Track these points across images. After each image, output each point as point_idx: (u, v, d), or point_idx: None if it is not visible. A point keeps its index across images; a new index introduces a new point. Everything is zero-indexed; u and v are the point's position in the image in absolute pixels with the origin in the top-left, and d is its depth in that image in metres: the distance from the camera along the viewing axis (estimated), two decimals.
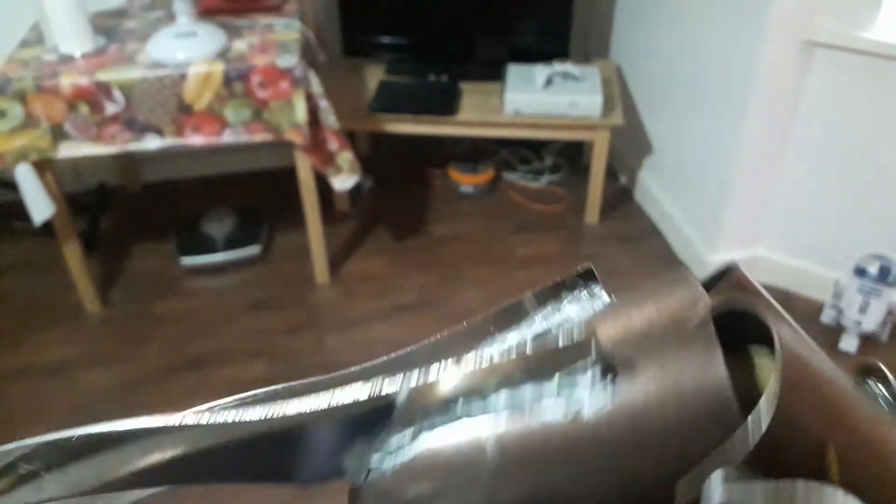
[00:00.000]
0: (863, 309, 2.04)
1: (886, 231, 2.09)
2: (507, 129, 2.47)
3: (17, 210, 2.15)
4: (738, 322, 0.27)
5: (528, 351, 0.27)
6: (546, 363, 0.26)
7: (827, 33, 1.91)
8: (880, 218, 2.09)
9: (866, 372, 0.31)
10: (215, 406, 0.29)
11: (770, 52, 1.97)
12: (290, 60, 1.93)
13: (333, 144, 2.11)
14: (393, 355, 0.31)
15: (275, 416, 0.27)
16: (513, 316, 0.31)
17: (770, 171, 2.20)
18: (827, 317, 2.18)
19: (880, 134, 1.99)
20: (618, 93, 2.54)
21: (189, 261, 2.45)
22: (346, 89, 2.52)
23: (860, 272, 2.03)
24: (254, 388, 0.31)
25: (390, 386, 0.27)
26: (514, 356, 0.27)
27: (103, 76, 1.86)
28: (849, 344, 2.12)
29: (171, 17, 2.01)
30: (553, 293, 0.32)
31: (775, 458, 0.23)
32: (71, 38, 1.93)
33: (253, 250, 2.49)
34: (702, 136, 2.33)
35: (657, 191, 2.66)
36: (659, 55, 2.53)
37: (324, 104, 2.03)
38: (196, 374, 2.09)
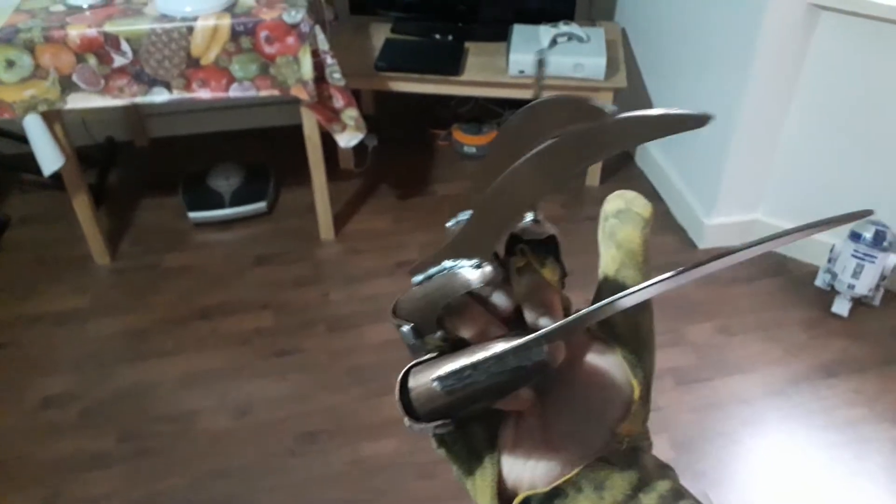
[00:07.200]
0: (856, 273, 2.08)
1: (884, 197, 2.11)
2: (511, 90, 2.48)
3: (28, 163, 2.18)
4: None
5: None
6: None
7: None
8: (878, 184, 2.11)
9: None
10: None
11: (774, 15, 1.97)
12: (296, 16, 1.94)
13: (339, 101, 2.13)
14: None
15: None
16: None
17: (770, 135, 2.22)
18: (821, 280, 2.22)
19: (882, 100, 2.00)
20: (622, 55, 2.55)
21: (196, 216, 2.49)
22: (351, 47, 2.53)
23: (855, 237, 2.07)
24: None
25: None
26: None
27: (111, 27, 1.88)
28: (841, 307, 2.16)
29: None
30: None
31: None
32: None
33: (259, 206, 2.53)
34: (704, 99, 2.34)
35: (658, 155, 2.68)
36: (663, 18, 2.53)
37: (330, 61, 2.05)
38: (204, 324, 2.15)
